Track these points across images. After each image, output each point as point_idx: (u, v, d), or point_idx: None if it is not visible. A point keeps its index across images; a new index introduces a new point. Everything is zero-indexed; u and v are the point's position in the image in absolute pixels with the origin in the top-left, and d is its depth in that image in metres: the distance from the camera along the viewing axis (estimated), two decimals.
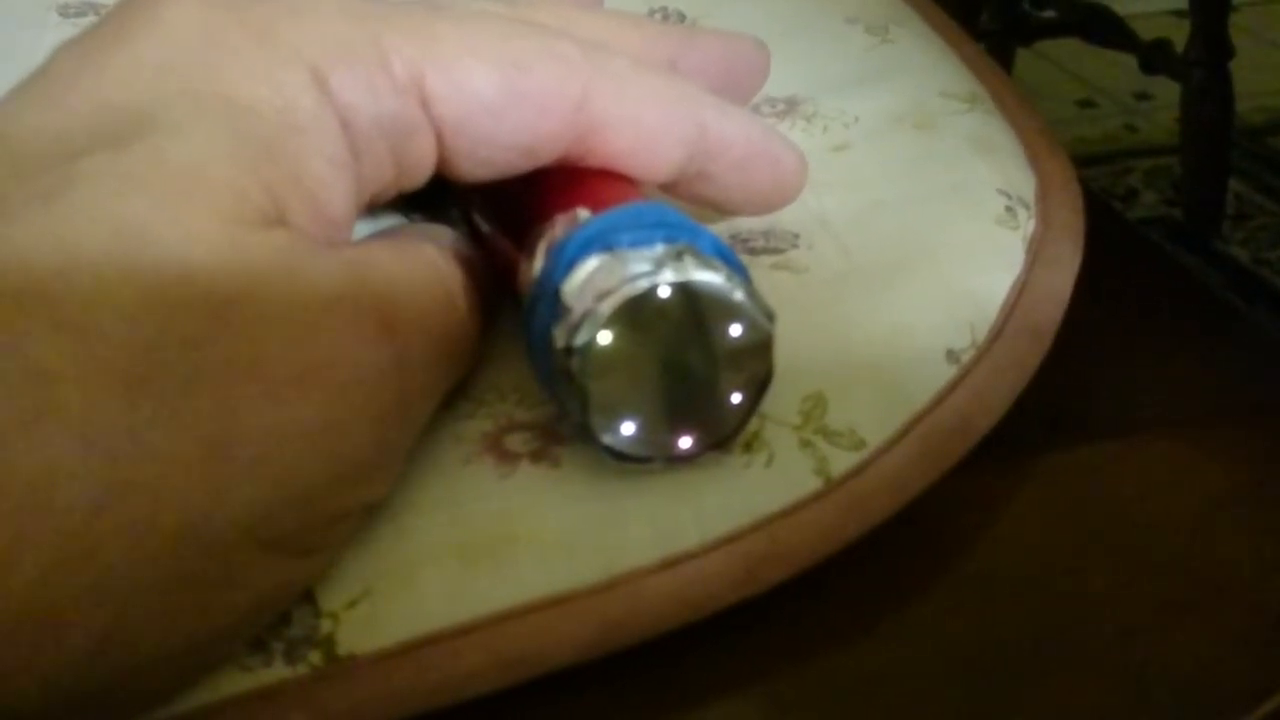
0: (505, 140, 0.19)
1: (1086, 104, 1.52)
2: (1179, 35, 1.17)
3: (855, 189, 0.25)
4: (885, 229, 0.24)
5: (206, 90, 0.17)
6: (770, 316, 0.18)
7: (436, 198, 0.21)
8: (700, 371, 0.18)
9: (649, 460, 0.18)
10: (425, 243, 0.19)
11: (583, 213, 0.19)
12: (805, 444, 0.19)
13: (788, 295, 0.22)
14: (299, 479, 0.15)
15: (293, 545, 0.16)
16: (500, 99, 0.19)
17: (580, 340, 0.17)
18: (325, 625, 0.17)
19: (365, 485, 0.17)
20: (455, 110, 0.18)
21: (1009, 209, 0.24)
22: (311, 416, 0.15)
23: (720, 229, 0.24)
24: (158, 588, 0.14)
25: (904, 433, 0.20)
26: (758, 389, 0.18)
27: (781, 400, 0.20)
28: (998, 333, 0.22)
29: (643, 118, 0.20)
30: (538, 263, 0.18)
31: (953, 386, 0.21)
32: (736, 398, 0.18)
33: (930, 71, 0.29)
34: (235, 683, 0.16)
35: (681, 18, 0.32)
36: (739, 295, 0.17)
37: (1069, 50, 1.42)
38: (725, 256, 0.18)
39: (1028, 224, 0.24)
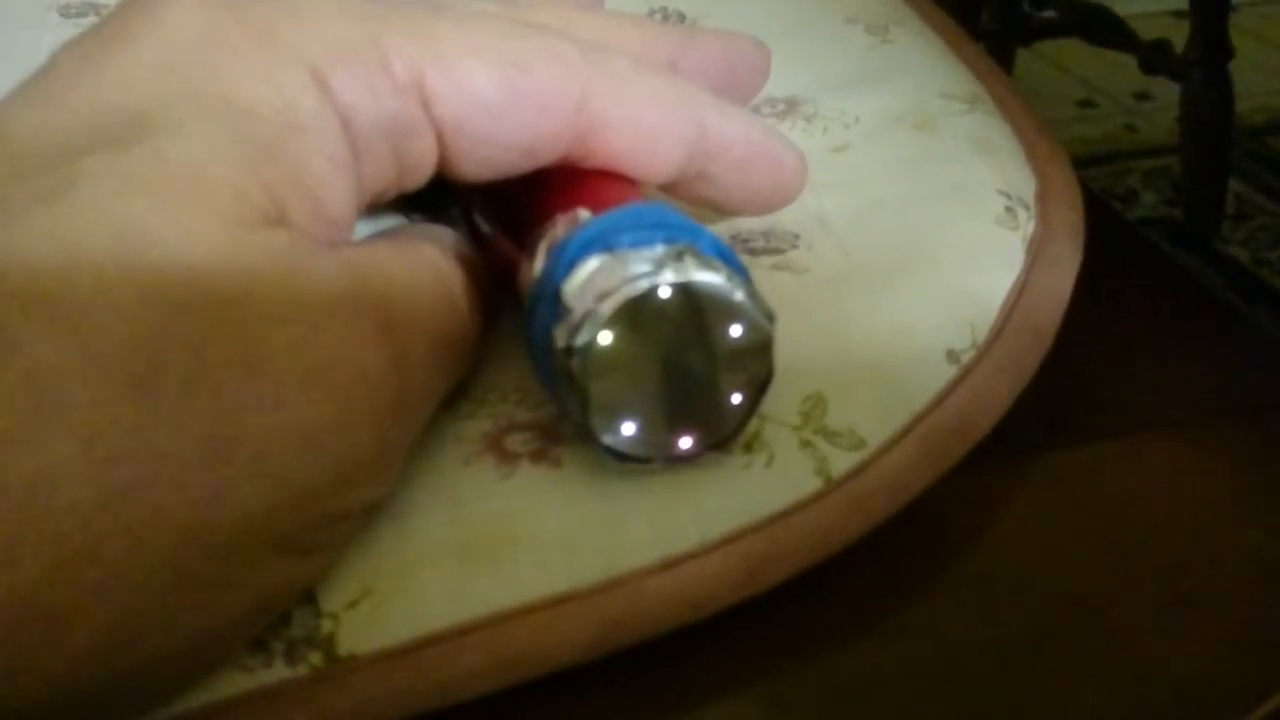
0: (505, 140, 0.19)
1: (1086, 104, 1.51)
2: (1179, 36, 1.17)
3: (855, 189, 0.25)
4: (885, 229, 0.24)
5: (207, 90, 0.17)
6: (770, 317, 0.18)
7: (437, 198, 0.21)
8: (700, 372, 0.18)
9: (649, 460, 0.18)
10: (426, 243, 0.19)
11: (583, 213, 0.19)
12: (805, 444, 0.19)
13: (788, 296, 0.22)
14: (299, 479, 0.15)
15: (293, 545, 0.16)
16: (500, 99, 0.19)
17: (581, 340, 0.17)
18: (326, 625, 0.17)
19: (366, 485, 0.17)
20: (455, 110, 0.18)
21: (1009, 209, 0.24)
22: (312, 416, 0.15)
23: (720, 229, 0.24)
24: (158, 587, 0.14)
25: (904, 433, 0.20)
26: (758, 389, 0.18)
27: (781, 400, 0.20)
28: (998, 333, 0.22)
29: (643, 118, 0.20)
30: (538, 263, 0.18)
31: (953, 387, 0.21)
32: (737, 398, 0.18)
33: (930, 72, 0.29)
34: (235, 683, 0.16)
35: (681, 18, 0.32)
36: (739, 296, 0.18)
37: (1069, 50, 1.42)
38: (725, 257, 0.18)
39: (1027, 224, 0.24)
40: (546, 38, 0.19)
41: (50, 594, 0.13)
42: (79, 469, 0.14)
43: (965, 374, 0.21)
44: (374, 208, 0.20)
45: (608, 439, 0.18)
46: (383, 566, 0.18)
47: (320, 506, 0.16)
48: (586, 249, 0.18)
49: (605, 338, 0.17)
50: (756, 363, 0.18)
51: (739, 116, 0.21)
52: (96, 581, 0.14)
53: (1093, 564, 0.20)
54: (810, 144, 0.26)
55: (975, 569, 0.20)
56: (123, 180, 0.15)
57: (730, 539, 0.18)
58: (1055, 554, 0.21)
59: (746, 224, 0.24)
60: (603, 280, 0.17)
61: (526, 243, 0.19)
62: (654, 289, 0.17)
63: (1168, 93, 1.27)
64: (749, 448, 0.19)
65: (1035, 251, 0.23)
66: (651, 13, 0.33)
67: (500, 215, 0.21)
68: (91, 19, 0.31)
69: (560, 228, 0.19)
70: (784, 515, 0.19)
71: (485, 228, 0.21)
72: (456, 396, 0.20)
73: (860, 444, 0.20)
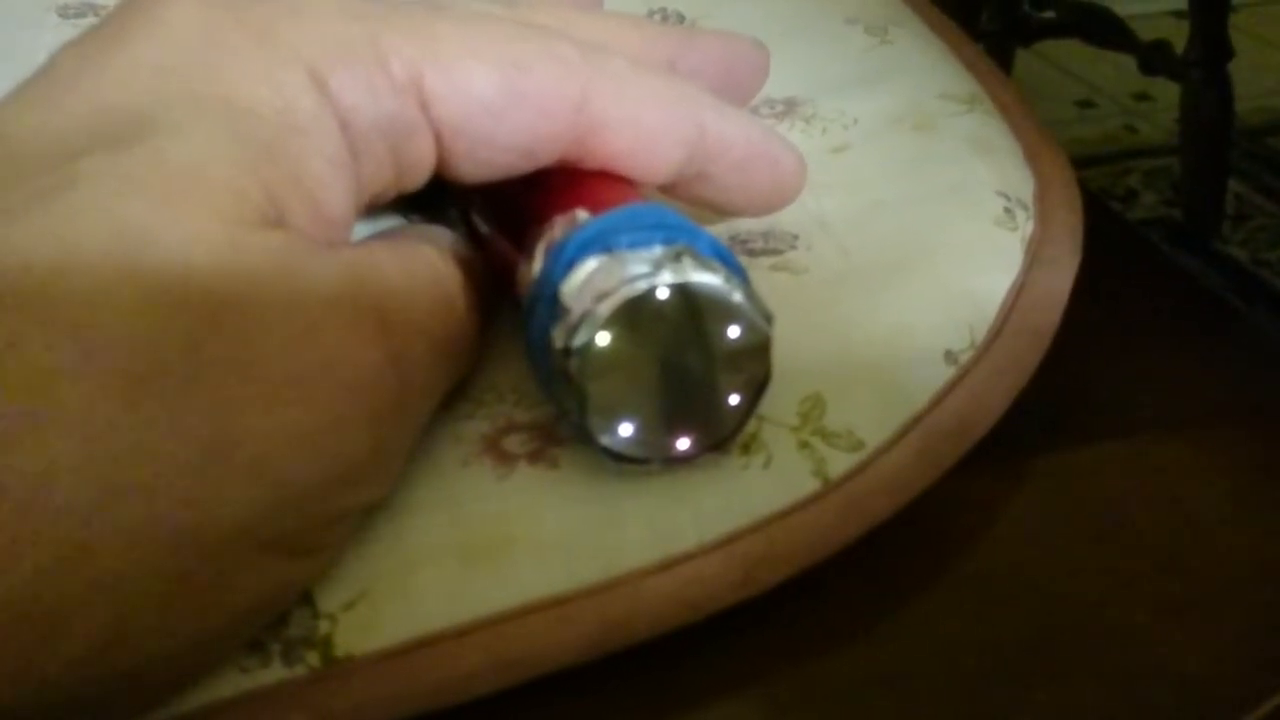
0: (504, 141, 0.19)
1: (1086, 105, 1.52)
2: (1178, 36, 1.17)
3: (854, 190, 0.25)
4: (884, 230, 0.24)
5: (206, 91, 0.17)
6: (768, 318, 0.18)
7: (436, 199, 0.21)
8: (698, 373, 0.18)
9: (647, 461, 0.18)
10: (424, 244, 0.19)
11: (582, 214, 0.19)
12: (803, 445, 0.19)
13: (786, 296, 0.22)
14: (298, 479, 0.15)
15: (292, 546, 0.16)
16: (500, 100, 0.19)
17: (579, 341, 0.17)
18: (323, 626, 0.17)
19: (364, 486, 0.17)
20: (454, 111, 0.18)
21: (1007, 210, 0.24)
22: (310, 417, 0.15)
23: (719, 230, 0.24)
24: (156, 588, 0.14)
25: (902, 434, 0.20)
26: (756, 390, 0.18)
27: (780, 401, 0.20)
28: (996, 334, 0.22)
29: (642, 119, 0.20)
30: (536, 264, 0.18)
31: (951, 387, 0.21)
32: (735, 399, 0.18)
33: (929, 72, 0.29)
34: (233, 684, 0.16)
35: (681, 19, 0.32)
36: (737, 297, 0.17)
37: (1069, 51, 1.42)
38: (724, 258, 0.18)
39: (1026, 225, 0.24)
40: (546, 38, 0.19)
41: (47, 594, 0.13)
42: (76, 469, 0.14)
43: (963, 375, 0.21)
44: (373, 209, 0.20)
45: (606, 440, 0.18)
46: (380, 567, 0.18)
47: (318, 507, 0.16)
48: (585, 250, 0.18)
49: (603, 338, 0.17)
50: (754, 364, 0.18)
51: (738, 117, 0.21)
52: (94, 582, 0.14)
53: (1092, 564, 0.20)
54: (809, 145, 0.26)
55: (974, 570, 0.20)
56: (122, 180, 0.15)
57: (728, 540, 0.18)
58: (1054, 554, 0.21)
59: (745, 225, 0.24)
60: (601, 281, 0.17)
61: (525, 244, 0.19)
62: (652, 290, 0.17)
63: (1167, 93, 1.27)
64: (747, 449, 0.19)
65: (1034, 252, 0.23)
66: (651, 13, 0.33)
67: (499, 216, 0.21)
68: (90, 19, 0.31)
69: (558, 228, 0.19)
70: (782, 516, 0.19)
71: (484, 229, 0.21)
72: (454, 397, 0.20)
73: (858, 445, 0.20)
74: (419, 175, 0.19)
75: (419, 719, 0.17)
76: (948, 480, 0.20)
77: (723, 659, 0.19)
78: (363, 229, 0.20)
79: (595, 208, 0.19)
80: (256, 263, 0.15)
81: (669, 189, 0.21)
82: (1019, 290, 0.23)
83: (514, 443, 0.19)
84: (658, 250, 0.17)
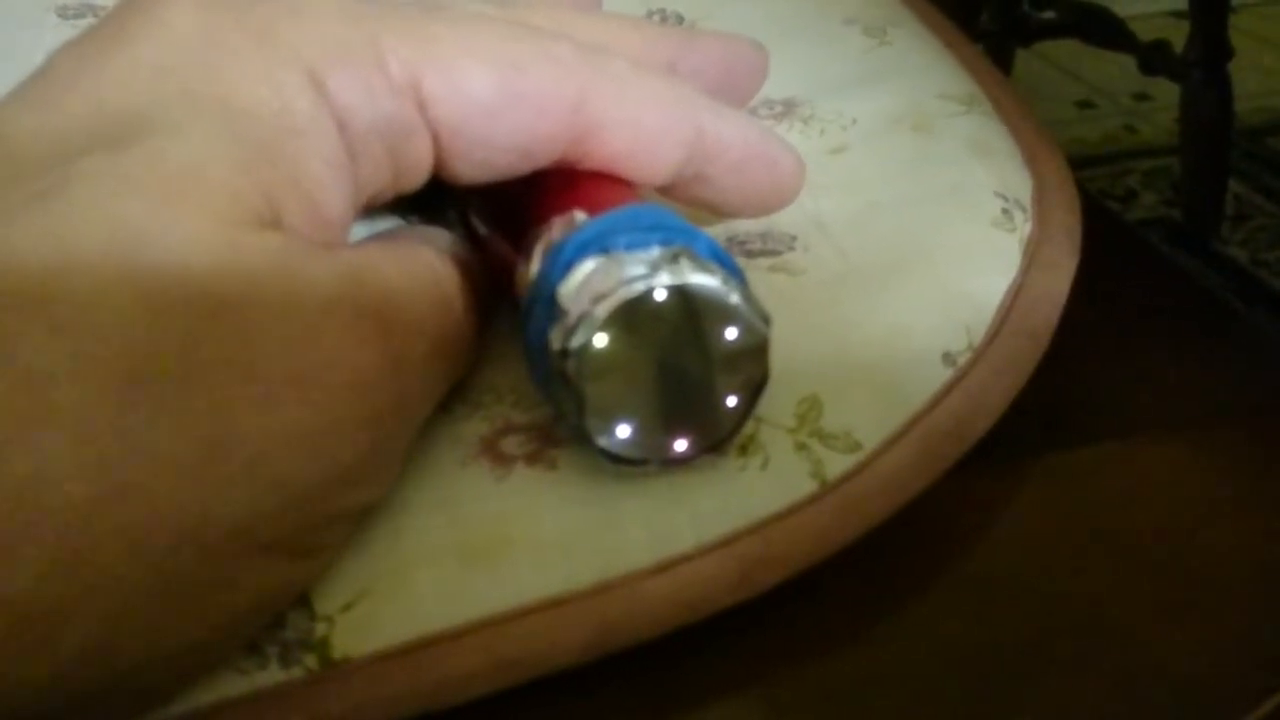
0: (502, 142, 0.19)
1: (1086, 105, 1.52)
2: (1178, 36, 1.17)
3: (852, 191, 0.25)
4: (882, 231, 0.24)
5: (205, 92, 0.17)
6: (766, 320, 0.18)
7: (434, 200, 0.21)
8: (696, 374, 0.18)
9: (645, 463, 0.18)
10: (422, 245, 0.19)
11: (579, 215, 0.19)
12: (801, 447, 0.19)
13: (784, 297, 0.22)
14: (295, 481, 0.15)
15: (289, 547, 0.16)
16: (497, 100, 0.19)
17: (576, 343, 0.17)
18: (320, 628, 0.17)
19: (362, 487, 0.17)
20: (452, 112, 0.18)
21: (1005, 211, 0.24)
22: (308, 418, 0.15)
23: (717, 231, 0.24)
24: (153, 590, 0.14)
25: (900, 435, 0.20)
26: (753, 392, 0.18)
27: (777, 403, 0.20)
28: (994, 335, 0.22)
29: (641, 119, 0.20)
30: (534, 265, 0.18)
31: (949, 389, 0.21)
32: (732, 400, 0.18)
33: (928, 73, 0.29)
34: (230, 685, 0.16)
35: (680, 20, 0.32)
36: (735, 298, 0.17)
37: (1068, 51, 1.42)
38: (721, 259, 0.18)
39: (1024, 226, 0.24)
40: (544, 39, 0.19)
41: (45, 595, 0.13)
42: (74, 470, 0.14)
43: (961, 376, 0.21)
44: (371, 209, 0.20)
45: (603, 441, 0.18)
46: (378, 568, 0.18)
47: (316, 508, 0.16)
48: (582, 251, 0.18)
49: (601, 340, 0.17)
50: (752, 365, 0.18)
51: (737, 118, 0.21)
52: (91, 583, 0.14)
53: (1091, 565, 0.20)
54: (808, 146, 0.26)
55: (973, 571, 0.20)
56: (120, 181, 0.15)
57: (726, 541, 0.18)
58: (1053, 555, 0.21)
59: (743, 226, 0.24)
60: (598, 282, 0.17)
61: (523, 245, 0.19)
62: (650, 291, 0.17)
63: (1167, 93, 1.27)
64: (744, 450, 0.19)
65: (1032, 254, 0.23)
66: (650, 14, 0.33)
67: (497, 217, 0.21)
68: (89, 20, 0.31)
69: (556, 230, 0.19)
70: (780, 518, 0.19)
71: (482, 230, 0.21)
72: (453, 398, 0.20)
73: (856, 446, 0.20)
74: (417, 176, 0.19)
75: None
76: (946, 481, 0.20)
77: (721, 660, 0.19)
78: (361, 230, 0.20)
79: (593, 209, 0.19)
80: (254, 263, 0.15)
81: (667, 190, 0.21)
82: (1017, 291, 0.23)
83: (512, 444, 0.19)
84: (655, 252, 0.17)
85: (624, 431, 0.18)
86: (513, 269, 0.19)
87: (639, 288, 0.17)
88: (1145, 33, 1.20)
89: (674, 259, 0.17)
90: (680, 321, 0.17)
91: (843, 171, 0.26)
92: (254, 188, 0.16)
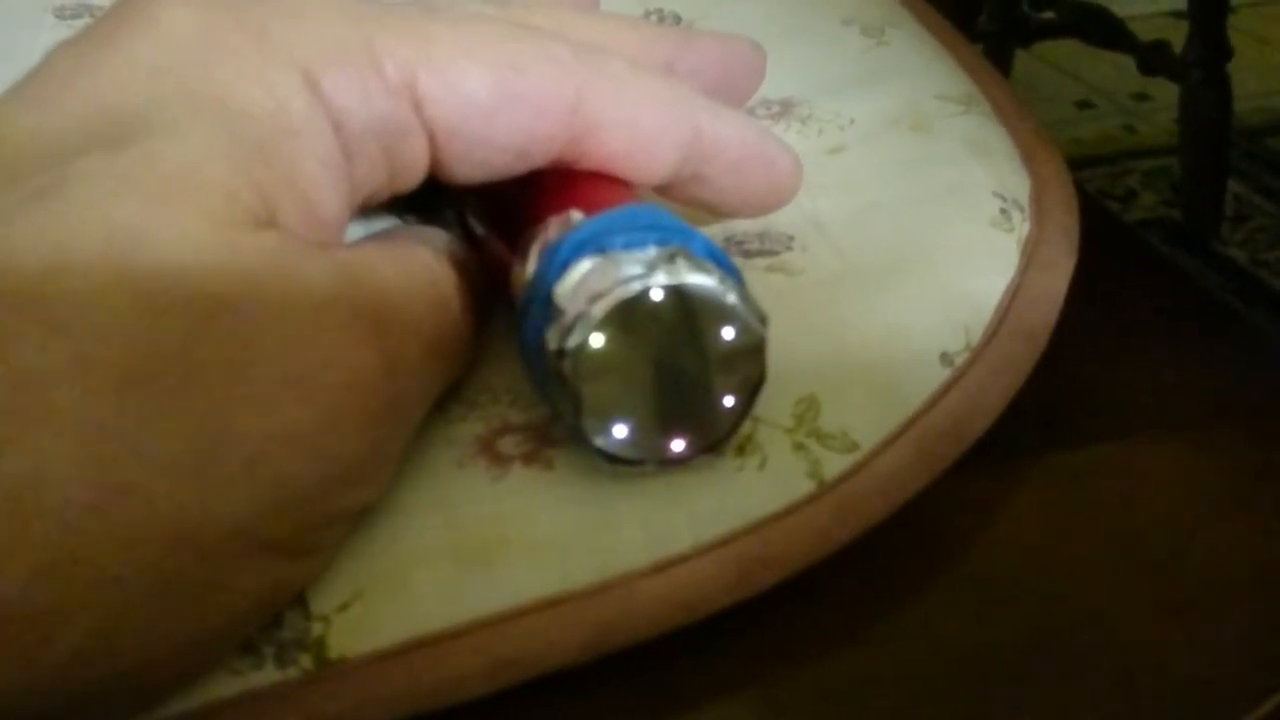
0: (499, 142, 0.19)
1: (1085, 105, 1.52)
2: (1177, 36, 1.17)
3: (850, 191, 0.25)
4: (880, 231, 0.24)
5: (201, 92, 0.17)
6: (763, 319, 0.18)
7: (431, 200, 0.21)
8: (693, 374, 0.18)
9: (642, 463, 0.18)
10: (419, 245, 0.19)
11: (576, 215, 0.19)
12: (798, 447, 0.19)
13: (782, 297, 0.22)
14: (293, 480, 0.15)
15: (286, 547, 0.16)
16: (494, 101, 0.19)
17: (573, 342, 0.17)
18: (316, 628, 0.17)
19: (359, 487, 0.17)
20: (449, 112, 0.18)
21: (1004, 211, 0.24)
22: (304, 419, 0.15)
23: (715, 231, 0.24)
24: (150, 590, 0.14)
25: (898, 435, 0.20)
26: (750, 392, 0.18)
27: (774, 403, 0.20)
28: (992, 335, 0.22)
29: (638, 120, 0.20)
30: (531, 265, 0.18)
31: (947, 389, 0.21)
32: (729, 400, 0.18)
33: (926, 73, 0.29)
34: (225, 686, 0.16)
35: (677, 20, 0.32)
36: (731, 298, 0.17)
37: (1067, 51, 1.42)
38: (718, 259, 0.18)
39: (1022, 226, 0.24)
40: (541, 40, 0.19)
41: (42, 596, 0.13)
42: (70, 471, 0.14)
43: (959, 376, 0.21)
44: (367, 209, 0.20)
45: (600, 441, 0.18)
46: (374, 569, 0.18)
47: (312, 509, 0.16)
48: (579, 251, 0.18)
49: (597, 340, 0.17)
50: (749, 365, 0.18)
51: (734, 118, 0.21)
52: (88, 583, 0.14)
53: (1090, 566, 0.20)
54: (805, 146, 0.26)
55: (971, 571, 0.20)
56: (117, 181, 0.15)
57: (723, 542, 0.18)
58: (1052, 556, 0.21)
59: (741, 226, 0.24)
60: (595, 282, 0.17)
61: (519, 245, 0.19)
62: (646, 291, 0.17)
63: (1166, 93, 1.27)
64: (742, 450, 0.19)
65: (1030, 254, 0.23)
66: (647, 14, 0.33)
67: (493, 217, 0.21)
68: (86, 20, 0.31)
69: (553, 229, 0.19)
70: (777, 518, 0.19)
71: (478, 229, 0.21)
72: (449, 399, 0.20)
73: (853, 446, 0.20)
74: (413, 176, 0.19)
75: None
76: (944, 481, 0.20)
77: (719, 660, 0.19)
78: (358, 230, 0.20)
79: (590, 209, 0.19)
80: (250, 264, 0.15)
81: (664, 190, 0.21)
82: (1015, 291, 0.23)
83: (509, 444, 0.19)
84: (652, 251, 0.17)
85: (621, 431, 0.18)
86: (509, 269, 0.19)
87: (635, 287, 0.17)
88: (1145, 33, 1.21)
89: (670, 259, 0.17)
90: (677, 321, 0.17)
91: (840, 171, 0.26)
92: (250, 188, 0.16)
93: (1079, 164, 1.36)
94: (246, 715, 0.16)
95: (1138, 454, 0.23)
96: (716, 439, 0.19)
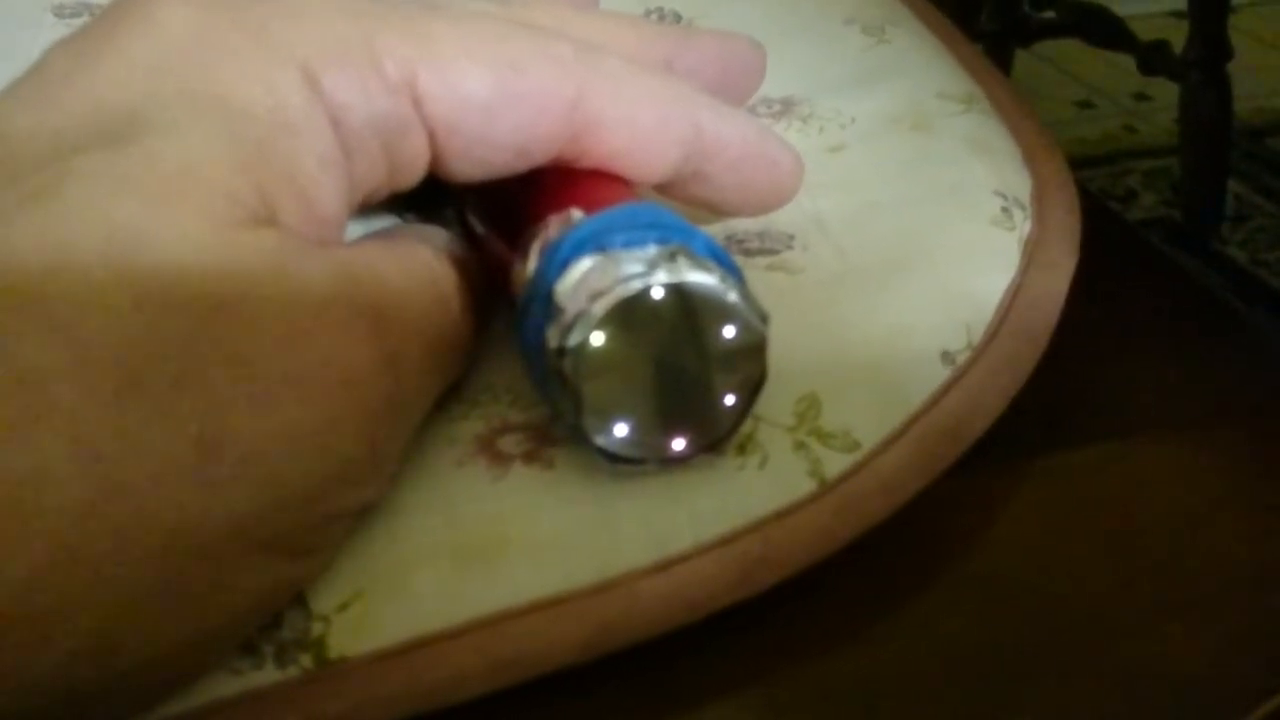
0: (499, 140, 0.19)
1: (1085, 105, 1.52)
2: (1178, 36, 1.17)
3: (851, 190, 0.25)
4: (881, 230, 0.24)
5: (200, 90, 0.17)
6: (764, 318, 0.18)
7: (431, 198, 0.21)
8: (694, 373, 0.18)
9: (643, 462, 0.18)
10: (419, 243, 0.19)
11: (576, 213, 0.19)
12: (799, 446, 0.19)
13: (783, 296, 0.22)
14: (291, 480, 0.15)
15: (286, 547, 0.16)
16: (494, 99, 0.18)
17: (573, 341, 0.17)
18: (316, 628, 0.17)
19: (359, 486, 0.17)
20: (448, 110, 0.18)
21: (1005, 210, 0.24)
22: (304, 418, 0.15)
23: (715, 230, 0.24)
24: (149, 589, 0.14)
25: (899, 434, 0.20)
26: (751, 391, 0.18)
27: (775, 402, 0.20)
28: (993, 334, 0.22)
29: (638, 118, 0.20)
30: (531, 263, 0.18)
31: (948, 388, 0.21)
32: (730, 399, 0.18)
33: (927, 72, 0.29)
34: (225, 685, 0.16)
35: (677, 18, 0.32)
36: (732, 297, 0.17)
37: (1068, 51, 1.42)
38: (719, 258, 0.18)
39: (1023, 225, 0.24)
40: (541, 38, 0.19)
41: (40, 595, 0.13)
42: (68, 470, 0.14)
43: (960, 375, 0.21)
44: (367, 208, 0.20)
45: (601, 440, 0.18)
46: (375, 568, 0.17)
47: (312, 508, 0.16)
48: (579, 249, 0.18)
49: (598, 338, 0.17)
50: (750, 364, 0.18)
51: (735, 117, 0.21)
52: (87, 582, 0.14)
53: (1090, 565, 0.20)
54: (806, 144, 0.26)
55: (972, 570, 0.20)
56: (115, 180, 0.15)
57: (724, 541, 0.18)
58: (1053, 555, 0.21)
59: (742, 224, 0.24)
60: (595, 280, 0.17)
61: (519, 243, 0.19)
62: (647, 289, 0.17)
63: (1167, 93, 1.27)
64: (743, 449, 0.19)
65: (1031, 253, 0.23)
66: (648, 13, 0.33)
67: (494, 215, 0.21)
68: (86, 19, 0.31)
69: (553, 228, 0.19)
70: (778, 517, 0.19)
71: (478, 228, 0.21)
72: (449, 398, 0.20)
73: (855, 445, 0.20)
74: (413, 174, 0.19)
75: None
76: (945, 481, 0.20)
77: (720, 660, 0.19)
78: (357, 228, 0.20)
79: (590, 207, 0.19)
80: (249, 262, 0.15)
81: (665, 188, 0.21)
82: (1016, 291, 0.23)
83: (509, 443, 0.19)
84: (652, 250, 0.17)
85: (621, 430, 0.18)
86: (509, 267, 0.19)
87: (636, 286, 0.17)
88: (1145, 33, 1.21)
89: (671, 257, 0.17)
90: (678, 320, 0.17)
91: (841, 170, 0.26)
92: (249, 186, 0.16)
93: (1080, 164, 1.36)
94: (246, 715, 0.16)
95: (1138, 453, 0.23)
96: (717, 438, 0.18)
